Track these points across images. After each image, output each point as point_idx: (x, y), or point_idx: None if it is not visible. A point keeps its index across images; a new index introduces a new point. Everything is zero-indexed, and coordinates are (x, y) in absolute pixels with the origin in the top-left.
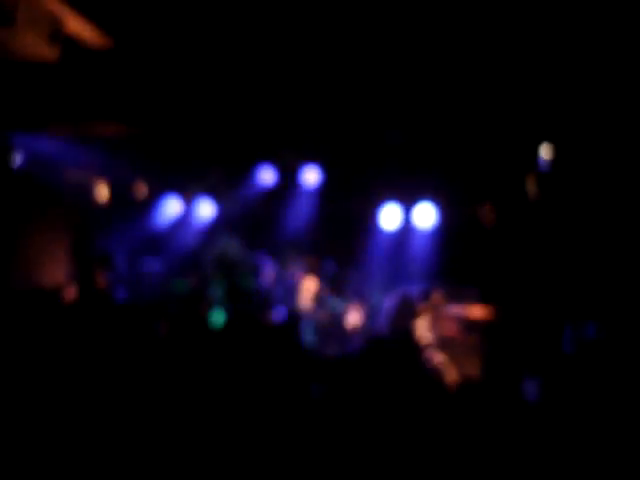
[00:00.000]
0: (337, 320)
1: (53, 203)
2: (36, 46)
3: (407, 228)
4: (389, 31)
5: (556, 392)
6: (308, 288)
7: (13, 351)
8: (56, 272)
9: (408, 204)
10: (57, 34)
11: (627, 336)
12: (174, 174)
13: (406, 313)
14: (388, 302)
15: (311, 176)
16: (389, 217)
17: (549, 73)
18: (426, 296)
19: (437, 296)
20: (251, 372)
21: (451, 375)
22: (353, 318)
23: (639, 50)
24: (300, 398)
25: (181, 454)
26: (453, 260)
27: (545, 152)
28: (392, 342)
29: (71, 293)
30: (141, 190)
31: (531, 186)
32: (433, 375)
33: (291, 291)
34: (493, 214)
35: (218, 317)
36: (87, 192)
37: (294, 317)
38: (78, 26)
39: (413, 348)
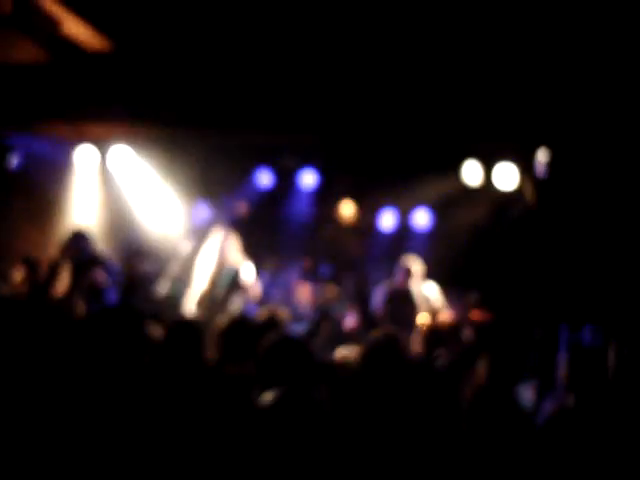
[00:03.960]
0: (334, 323)
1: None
2: (32, 48)
3: (404, 230)
4: (388, 33)
5: (555, 397)
6: (304, 291)
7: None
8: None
9: (405, 208)
10: (54, 36)
11: (626, 341)
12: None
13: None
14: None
15: (308, 179)
16: (387, 220)
17: (546, 76)
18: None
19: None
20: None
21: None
22: (350, 321)
23: (637, 52)
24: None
25: (178, 457)
26: (450, 263)
27: (542, 157)
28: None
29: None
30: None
31: (528, 191)
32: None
33: (287, 294)
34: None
35: None
36: None
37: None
38: (76, 28)
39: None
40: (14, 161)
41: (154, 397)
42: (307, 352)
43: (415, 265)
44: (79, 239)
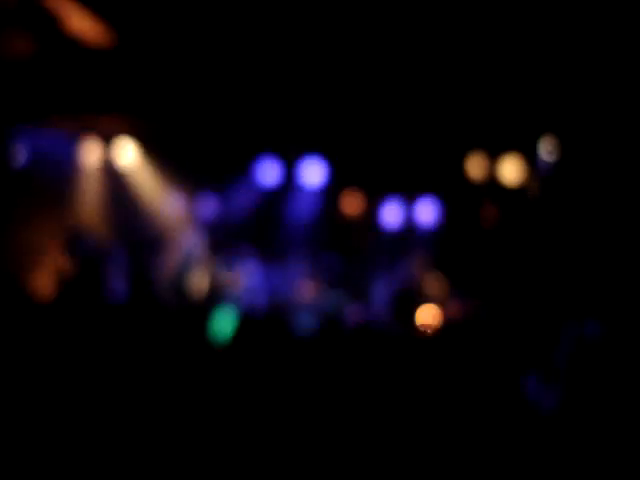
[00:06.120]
0: (337, 313)
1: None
2: (36, 43)
3: (407, 223)
4: (391, 26)
5: (556, 391)
6: (309, 285)
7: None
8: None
9: (410, 200)
10: (58, 31)
11: (628, 335)
12: (177, 169)
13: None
14: (384, 290)
15: (313, 170)
16: (390, 212)
17: (550, 71)
18: None
19: None
20: (251, 364)
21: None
22: (353, 311)
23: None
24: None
25: (181, 450)
26: (455, 257)
27: (545, 151)
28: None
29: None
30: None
31: (531, 185)
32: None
33: (290, 284)
34: (494, 213)
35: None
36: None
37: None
38: (80, 23)
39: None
40: (20, 156)
41: None
42: None
43: (422, 260)
44: (77, 240)
